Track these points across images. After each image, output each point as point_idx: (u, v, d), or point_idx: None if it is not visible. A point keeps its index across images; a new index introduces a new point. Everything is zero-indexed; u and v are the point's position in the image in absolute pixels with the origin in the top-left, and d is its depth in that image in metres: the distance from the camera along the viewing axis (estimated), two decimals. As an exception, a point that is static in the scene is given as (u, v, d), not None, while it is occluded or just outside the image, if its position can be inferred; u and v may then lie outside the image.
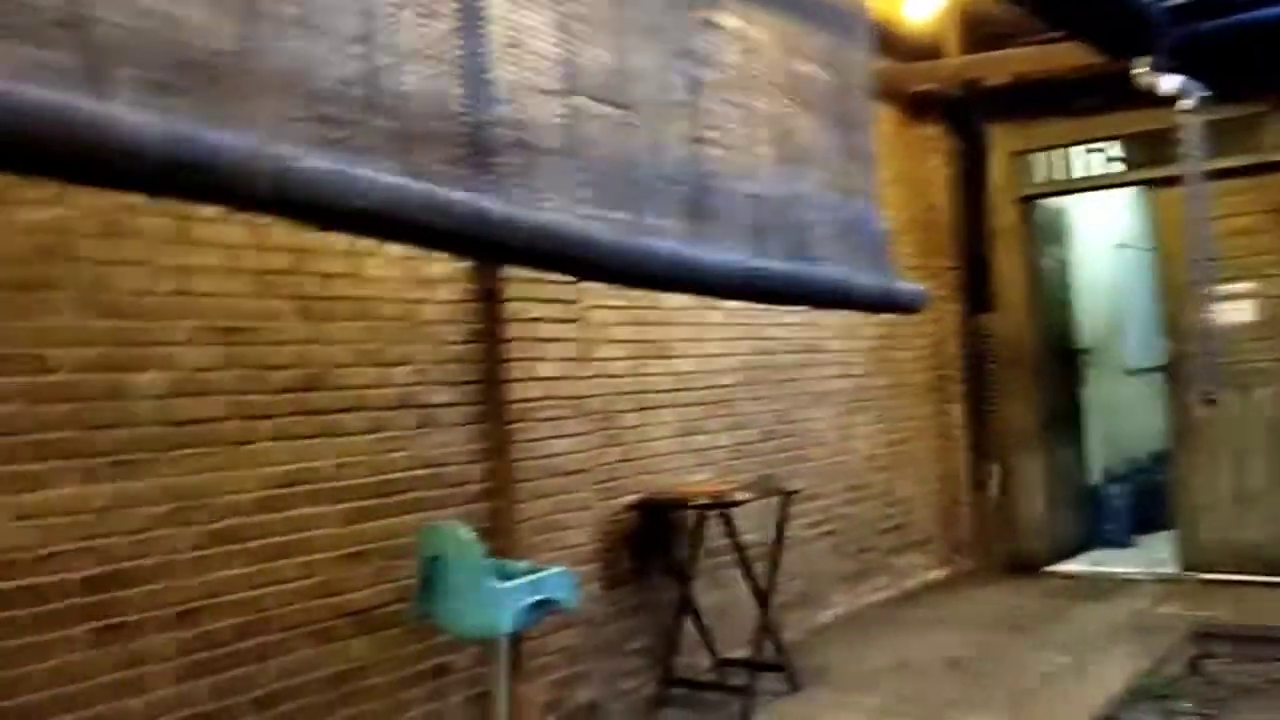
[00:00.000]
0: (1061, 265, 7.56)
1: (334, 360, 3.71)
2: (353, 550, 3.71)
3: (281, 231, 3.53)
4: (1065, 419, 7.38)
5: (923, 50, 6.61)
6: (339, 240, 3.69)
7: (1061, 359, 7.41)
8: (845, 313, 6.26)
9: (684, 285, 2.61)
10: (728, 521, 4.69)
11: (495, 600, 3.50)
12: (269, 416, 3.52)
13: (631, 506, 4.75)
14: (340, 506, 3.69)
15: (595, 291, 4.60)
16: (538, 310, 4.30)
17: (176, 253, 3.31)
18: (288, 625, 3.52)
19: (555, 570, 3.72)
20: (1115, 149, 7.02)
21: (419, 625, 3.75)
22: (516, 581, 3.58)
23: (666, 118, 2.52)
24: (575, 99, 2.27)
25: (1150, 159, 6.78)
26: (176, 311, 3.30)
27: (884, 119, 6.69)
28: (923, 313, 6.91)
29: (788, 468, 5.71)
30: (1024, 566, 6.97)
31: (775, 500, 4.87)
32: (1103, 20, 5.11)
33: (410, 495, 3.90)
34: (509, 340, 4.18)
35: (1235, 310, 6.35)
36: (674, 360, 5.09)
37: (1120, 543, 7.49)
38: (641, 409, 4.89)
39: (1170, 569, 6.64)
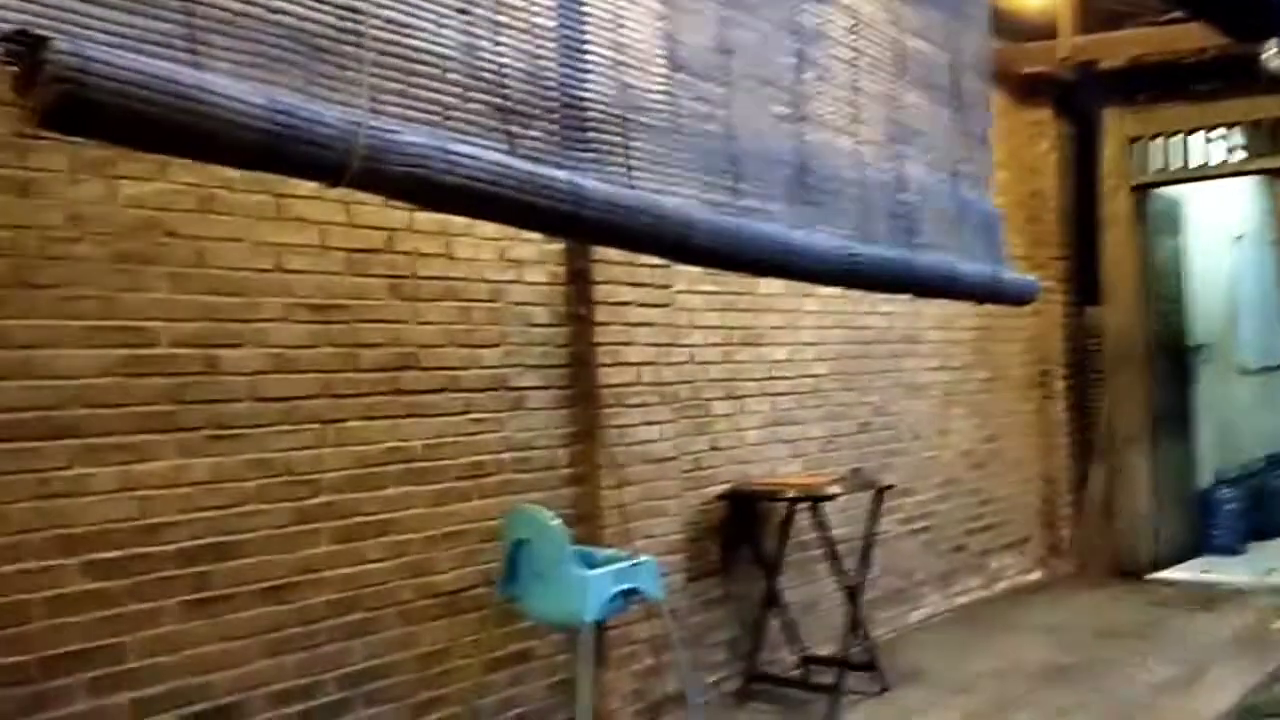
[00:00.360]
0: (1175, 257, 7.23)
1: (425, 340, 3.69)
2: (441, 531, 3.69)
3: (373, 210, 3.52)
4: (1175, 419, 7.07)
5: (1035, 30, 6.34)
6: (429, 220, 3.67)
7: (1173, 356, 7.09)
8: (945, 302, 6.09)
9: (783, 270, 2.50)
10: (818, 515, 4.57)
11: (580, 588, 3.44)
12: (360, 395, 3.51)
13: (720, 497, 4.66)
14: (429, 487, 3.67)
15: (686, 275, 4.51)
16: (627, 294, 4.22)
17: (271, 230, 3.31)
18: (375, 604, 3.51)
19: (642, 559, 3.65)
20: (1236, 136, 6.67)
21: (503, 609, 3.72)
22: (601, 570, 3.52)
23: (770, 95, 2.42)
24: (677, 75, 2.18)
25: (1274, 147, 6.44)
26: (270, 289, 3.31)
27: (993, 101, 6.47)
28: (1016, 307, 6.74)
29: (882, 461, 5.56)
30: (1127, 572, 6.70)
31: (868, 494, 4.74)
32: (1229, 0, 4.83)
33: (498, 478, 3.87)
34: (598, 324, 4.12)
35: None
36: (765, 348, 4.98)
37: (1231, 549, 7.16)
38: (732, 397, 4.79)
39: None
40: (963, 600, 6.16)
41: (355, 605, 3.47)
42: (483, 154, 1.71)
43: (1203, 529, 7.22)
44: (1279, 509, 7.67)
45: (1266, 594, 6.16)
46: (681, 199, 2.13)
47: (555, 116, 1.89)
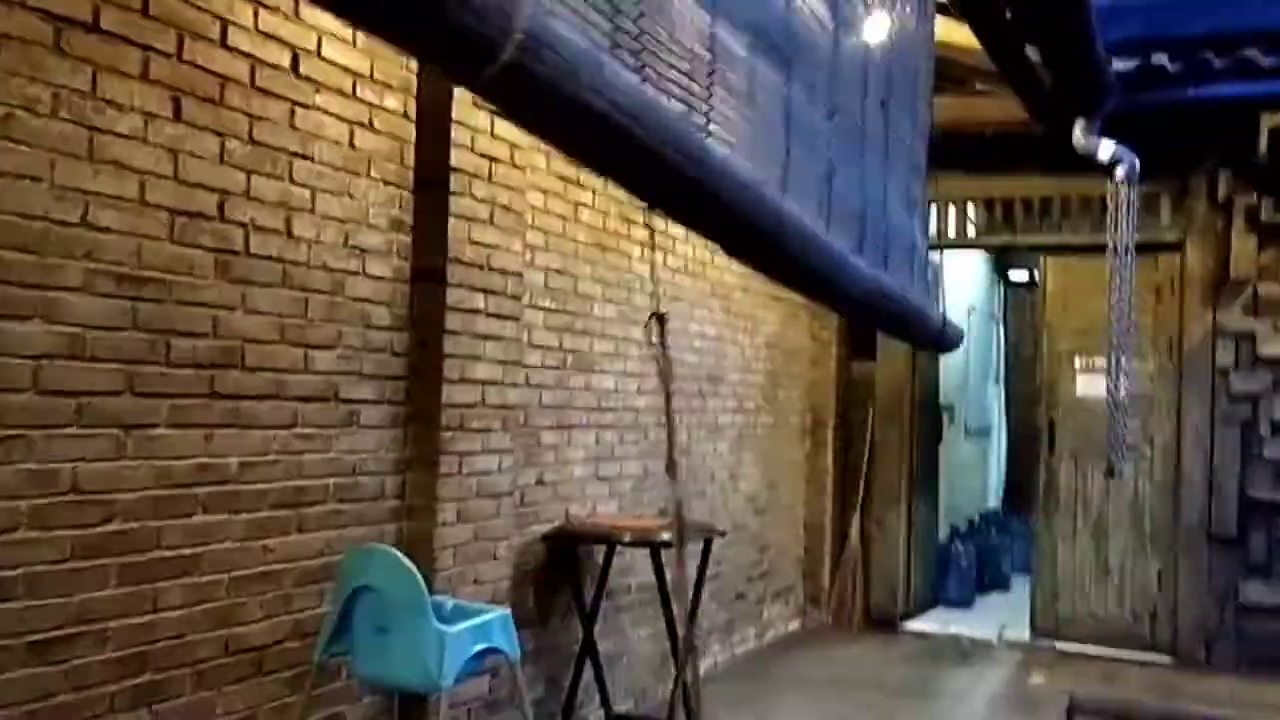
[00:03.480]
0: (934, 320, 7.53)
1: (252, 333, 2.98)
2: (252, 571, 2.98)
3: (208, 166, 2.81)
4: (927, 475, 7.32)
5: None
6: (270, 187, 3.00)
7: (927, 415, 7.36)
8: (746, 343, 5.96)
9: (829, 286, 2.12)
10: (657, 561, 4.20)
11: (437, 647, 2.86)
12: (171, 395, 2.76)
13: (545, 537, 4.17)
14: (243, 516, 2.95)
15: (531, 286, 4.04)
16: (480, 300, 3.68)
17: (80, 173, 2.53)
18: (168, 664, 2.75)
19: (497, 612, 3.12)
20: (971, 211, 6.93)
21: (325, 669, 3.05)
22: (462, 625, 2.96)
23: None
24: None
25: (1009, 227, 6.80)
26: (71, 248, 2.52)
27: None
28: (805, 354, 6.74)
29: (687, 503, 5.27)
30: (879, 622, 6.81)
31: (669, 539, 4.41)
32: (1064, 78, 5.02)
33: (323, 508, 3.20)
34: (447, 332, 3.55)
35: (1103, 384, 6.44)
36: (596, 375, 4.56)
37: (963, 602, 7.49)
38: (561, 427, 4.34)
39: (1019, 633, 6.63)
40: (741, 650, 5.98)
41: (143, 665, 2.69)
42: (635, 82, 1.23)
43: (939, 582, 7.51)
44: (1000, 564, 8.15)
45: (1007, 649, 6.44)
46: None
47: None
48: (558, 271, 4.28)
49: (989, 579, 7.95)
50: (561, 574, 4.24)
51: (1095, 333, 6.38)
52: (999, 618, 7.08)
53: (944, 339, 2.94)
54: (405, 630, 2.85)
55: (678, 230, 5.21)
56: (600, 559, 4.40)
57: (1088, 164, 5.81)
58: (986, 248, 7.11)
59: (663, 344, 3.53)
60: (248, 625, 2.97)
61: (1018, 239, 6.75)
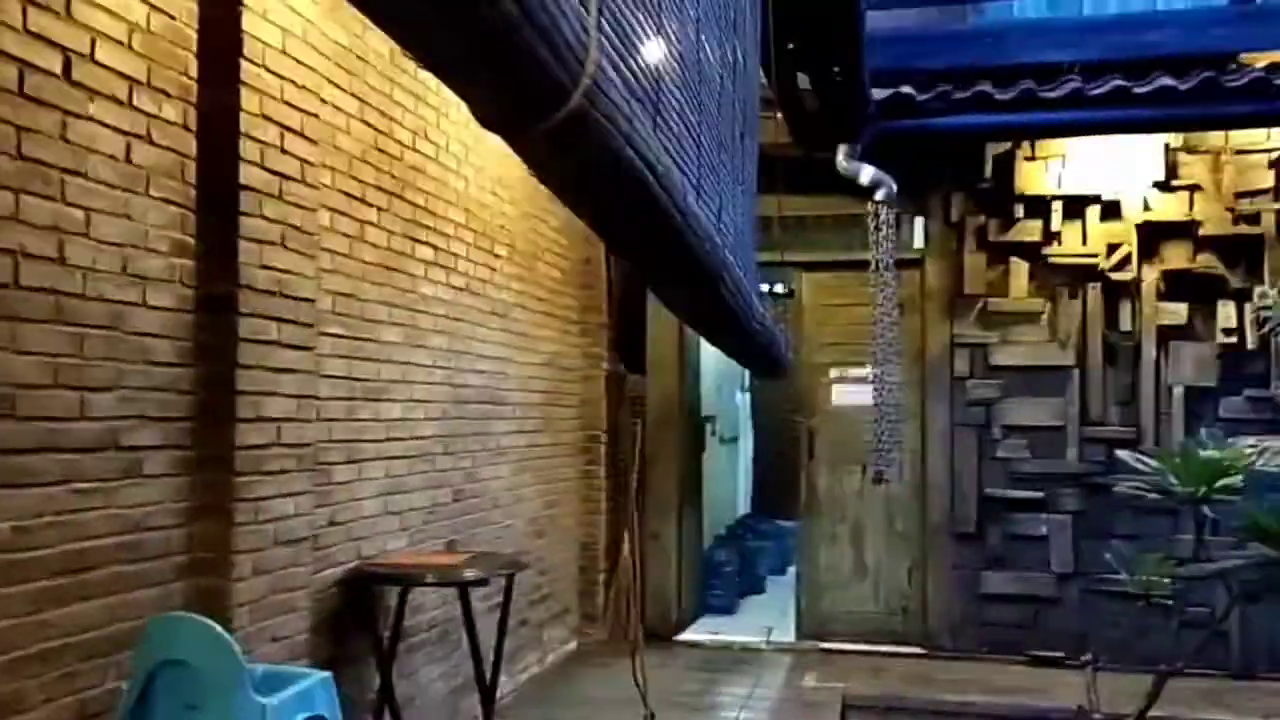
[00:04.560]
0: (692, 335, 7.71)
1: (23, 378, 2.58)
2: (30, 651, 2.57)
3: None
4: (694, 485, 7.47)
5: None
6: (41, 209, 2.62)
7: (693, 426, 7.51)
8: (526, 361, 5.85)
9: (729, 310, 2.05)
10: (464, 600, 4.00)
11: (258, 721, 2.58)
12: (-73, 455, 2.33)
13: (341, 581, 3.89)
14: (18, 588, 2.54)
15: (319, 314, 3.76)
16: (274, 330, 3.38)
17: None
18: (-70, 774, 2.33)
19: (317, 676, 2.86)
20: None
21: (118, 756, 2.68)
22: (283, 695, 2.68)
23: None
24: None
25: (770, 243, 7.09)
26: None
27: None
28: (578, 371, 6.71)
29: (471, 532, 5.10)
30: (654, 636, 6.87)
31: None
32: (831, 106, 5.25)
33: (106, 571, 2.82)
34: (241, 367, 3.23)
35: (856, 394, 6.82)
36: (384, 404, 4.31)
37: (727, 609, 7.69)
38: (351, 461, 4.06)
39: (784, 636, 6.90)
40: (524, 677, 5.85)
41: (-101, 779, 2.26)
42: (651, 131, 1.12)
43: (704, 590, 7.67)
44: (757, 568, 8.44)
45: (776, 652, 6.67)
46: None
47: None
48: (345, 295, 4.01)
49: (747, 583, 8.21)
50: (358, 619, 3.97)
51: (849, 345, 6.76)
52: (762, 621, 7.34)
53: (784, 363, 2.98)
54: (219, 708, 2.55)
55: (459, 248, 5.03)
56: (393, 599, 4.16)
57: (841, 185, 6.12)
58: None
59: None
60: (26, 714, 2.56)
61: (775, 255, 7.00)
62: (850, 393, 6.80)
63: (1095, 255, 6.43)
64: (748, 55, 2.55)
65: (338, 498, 3.94)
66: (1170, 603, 4.69)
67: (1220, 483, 4.02)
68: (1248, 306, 6.21)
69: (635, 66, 1.16)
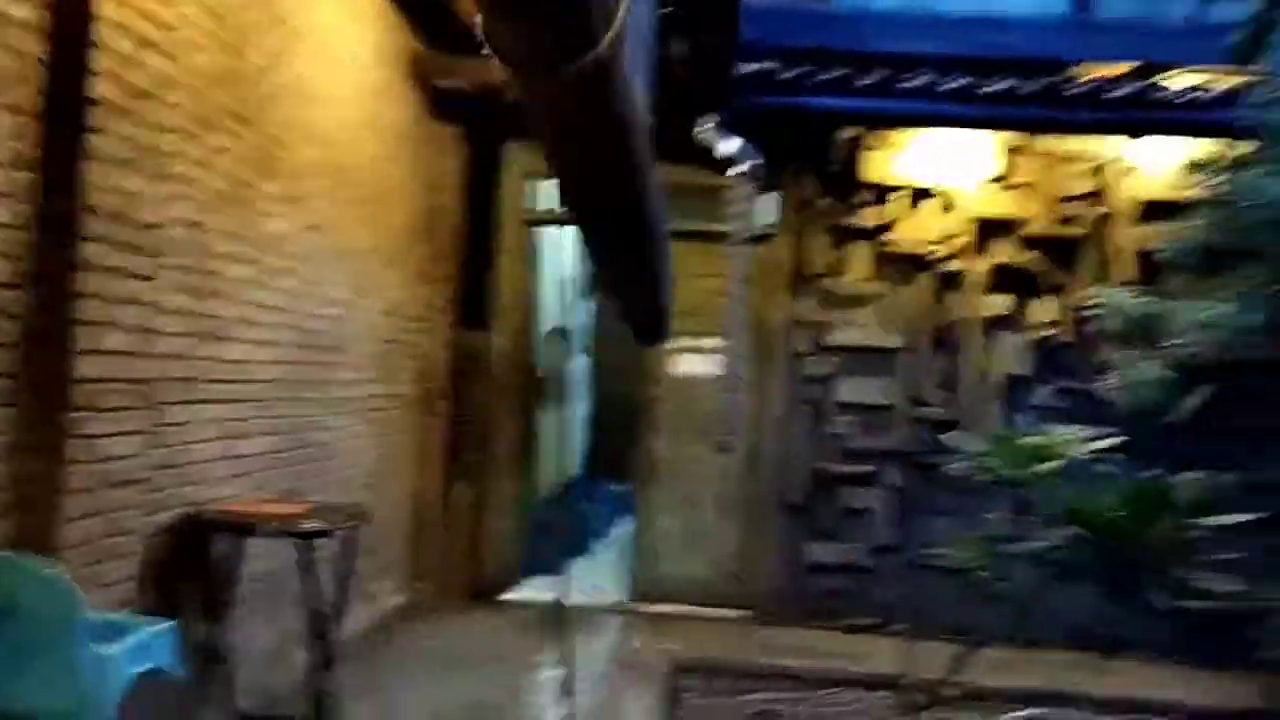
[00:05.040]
0: (536, 292, 7.64)
1: None
2: None
3: None
4: (529, 443, 7.43)
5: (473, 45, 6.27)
6: None
7: (532, 384, 7.46)
8: (372, 307, 5.69)
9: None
10: (307, 553, 3.85)
11: (93, 671, 2.42)
12: None
13: (178, 528, 3.68)
14: None
15: (163, 241, 3.53)
16: (118, 257, 3.15)
17: None
18: None
19: (160, 626, 2.71)
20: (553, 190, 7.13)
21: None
22: (121, 644, 2.52)
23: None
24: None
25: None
26: None
27: (409, 105, 6.22)
28: (421, 322, 6.56)
29: (309, 481, 4.92)
30: (483, 593, 6.83)
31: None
32: (701, 77, 5.26)
33: (-81, 507, 2.57)
34: (77, 295, 2.99)
35: (702, 364, 6.93)
36: (226, 344, 4.08)
37: (557, 568, 7.70)
38: (191, 402, 3.83)
39: (617, 597, 6.97)
40: (353, 631, 5.69)
41: None
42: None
43: (534, 549, 7.66)
44: (586, 529, 8.49)
45: (606, 613, 6.73)
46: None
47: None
48: (193, 225, 3.77)
49: (576, 544, 8.25)
50: (190, 567, 3.77)
51: (697, 315, 6.84)
52: (591, 581, 7.38)
53: (665, 331, 2.99)
54: (53, 657, 2.38)
55: (310, 185, 4.81)
56: (227, 548, 3.97)
57: (700, 156, 6.18)
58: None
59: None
60: None
61: (629, 221, 7.02)
62: (693, 363, 6.90)
63: (930, 244, 6.71)
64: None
65: (174, 440, 3.72)
66: (986, 578, 4.99)
67: (1042, 467, 4.28)
68: (1065, 303, 6.63)
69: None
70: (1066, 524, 4.11)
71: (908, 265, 6.72)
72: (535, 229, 7.24)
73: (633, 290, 2.16)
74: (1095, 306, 4.28)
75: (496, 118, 6.84)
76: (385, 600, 6.29)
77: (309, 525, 3.78)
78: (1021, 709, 5.22)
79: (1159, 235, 6.50)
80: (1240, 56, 4.05)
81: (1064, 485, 4.37)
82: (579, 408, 9.88)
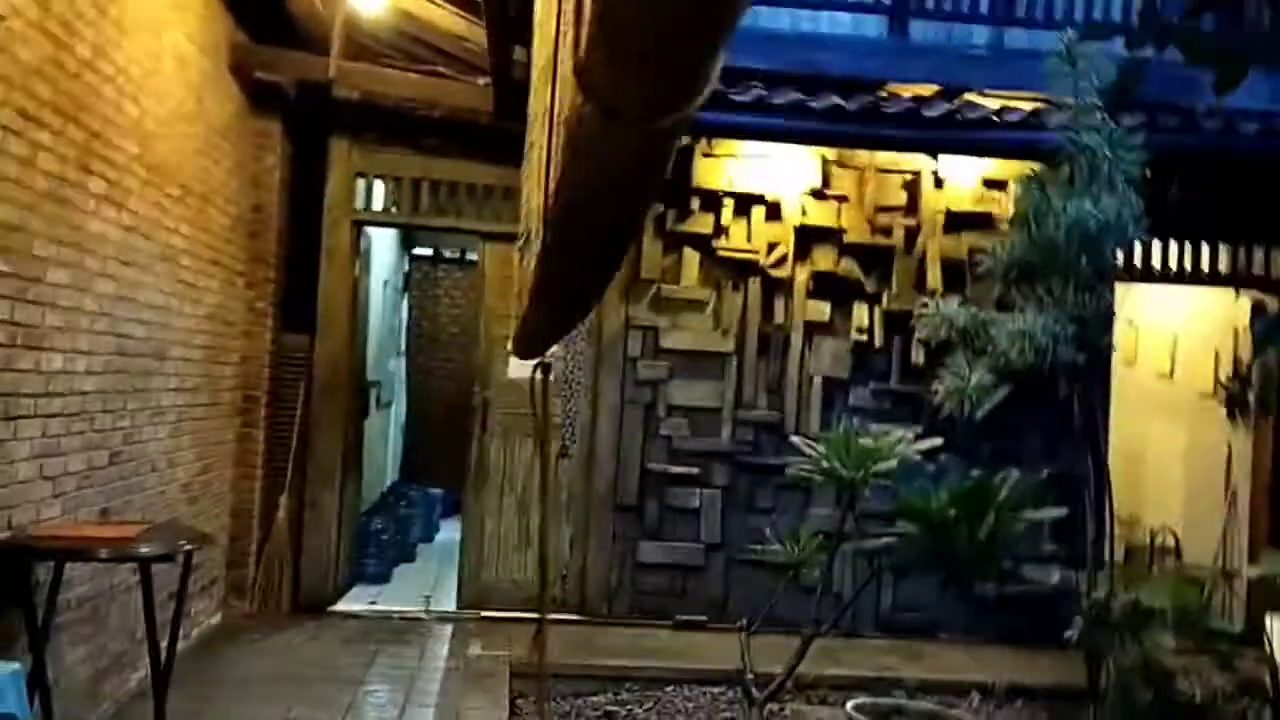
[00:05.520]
0: (366, 295, 7.45)
1: None
2: None
3: None
4: (357, 451, 7.23)
5: (297, 37, 6.05)
6: None
7: (360, 390, 7.26)
8: (192, 313, 5.42)
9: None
10: (145, 576, 3.62)
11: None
12: None
13: (-8, 554, 3.39)
14: None
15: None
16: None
17: None
18: None
19: (6, 669, 2.51)
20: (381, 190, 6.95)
21: None
22: (-37, 689, 2.33)
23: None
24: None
25: (455, 209, 7.02)
26: None
27: (230, 99, 5.95)
28: (240, 326, 6.29)
29: (126, 499, 4.63)
30: (306, 607, 6.60)
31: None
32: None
33: None
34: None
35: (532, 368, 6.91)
36: (45, 354, 3.80)
37: (383, 578, 7.53)
38: (6, 418, 3.55)
39: (443, 605, 6.88)
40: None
41: None
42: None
43: (358, 559, 7.47)
44: (409, 536, 8.33)
45: (438, 622, 6.64)
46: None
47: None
48: (13, 228, 3.49)
49: (400, 552, 8.09)
50: (6, 595, 3.49)
51: (528, 319, 6.82)
52: (416, 589, 7.27)
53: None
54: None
55: (131, 183, 4.53)
56: (44, 574, 3.70)
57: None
58: (431, 228, 7.19)
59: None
60: None
61: (460, 223, 6.93)
62: (526, 366, 6.85)
63: (757, 252, 6.93)
64: None
65: (-11, 460, 3.44)
66: (811, 573, 5.22)
67: (877, 467, 4.51)
68: (880, 309, 6.99)
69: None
70: (899, 520, 4.36)
71: (736, 271, 6.92)
72: (363, 229, 7.05)
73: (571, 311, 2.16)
74: (924, 316, 4.55)
75: (321, 113, 6.65)
76: (203, 620, 6.00)
77: (149, 550, 3.56)
78: (854, 696, 5.47)
79: (964, 246, 6.98)
80: (1113, 99, 4.36)
81: (895, 484, 4.63)
82: (397, 412, 9.70)
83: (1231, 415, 7.75)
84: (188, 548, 3.78)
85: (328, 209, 6.72)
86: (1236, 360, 7.72)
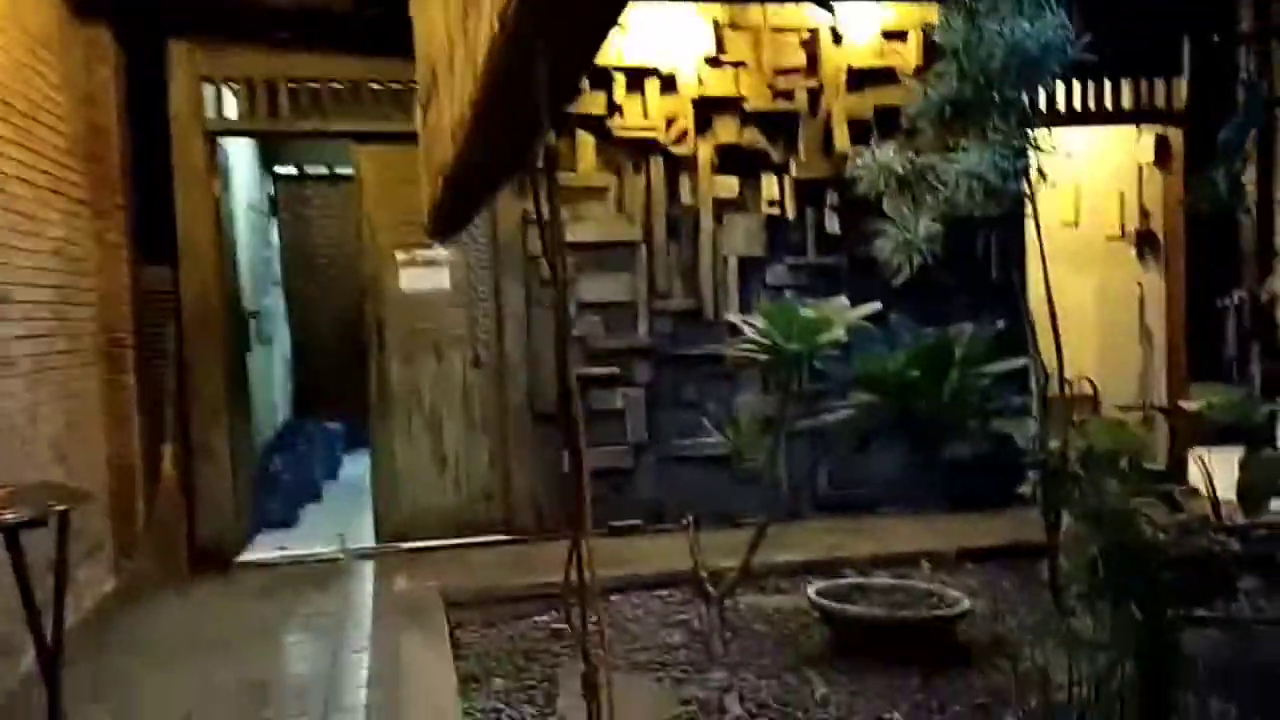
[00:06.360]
0: (230, 217, 6.75)
1: None
2: None
3: None
4: (242, 390, 6.61)
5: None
6: None
7: (237, 322, 6.62)
8: (33, 249, 4.74)
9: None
10: (15, 549, 3.07)
11: None
12: None
13: None
14: None
15: None
16: None
17: None
18: None
19: None
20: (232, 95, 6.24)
21: None
22: None
23: None
24: None
25: (318, 111, 6.33)
26: None
27: (48, 5, 5.17)
28: (93, 261, 5.61)
29: (-18, 463, 4.02)
30: (210, 560, 6.04)
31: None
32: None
33: None
34: None
35: (432, 277, 6.39)
36: None
37: (289, 521, 7.00)
38: None
39: (361, 542, 6.41)
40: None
41: None
42: None
43: (260, 503, 6.90)
44: (312, 474, 7.78)
45: (357, 560, 6.17)
46: None
47: None
48: None
49: (304, 492, 7.55)
50: None
51: (417, 224, 6.27)
52: (329, 530, 6.78)
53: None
54: None
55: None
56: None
57: (406, 47, 5.57)
58: (291, 134, 6.49)
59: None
60: None
61: (328, 124, 6.26)
62: (421, 276, 6.34)
63: (655, 129, 6.47)
64: None
65: None
66: (759, 462, 4.90)
67: (823, 338, 4.18)
68: (787, 180, 6.63)
69: None
70: (852, 391, 4.05)
71: (636, 152, 6.46)
72: (218, 143, 6.33)
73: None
74: (861, 168, 4.19)
75: (153, 13, 5.88)
76: (95, 587, 5.41)
77: (14, 515, 3.01)
78: (807, 580, 5.23)
79: (869, 104, 6.64)
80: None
81: (845, 354, 4.32)
82: (282, 345, 9.03)
83: (1142, 256, 7.72)
84: (60, 508, 3.23)
85: (173, 120, 5.98)
86: (1142, 199, 7.65)
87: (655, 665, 4.47)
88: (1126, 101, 7.08)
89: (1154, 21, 6.73)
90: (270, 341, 8.58)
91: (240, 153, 7.57)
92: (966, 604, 4.51)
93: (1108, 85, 7.02)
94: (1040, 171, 4.19)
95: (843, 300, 4.54)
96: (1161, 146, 7.31)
